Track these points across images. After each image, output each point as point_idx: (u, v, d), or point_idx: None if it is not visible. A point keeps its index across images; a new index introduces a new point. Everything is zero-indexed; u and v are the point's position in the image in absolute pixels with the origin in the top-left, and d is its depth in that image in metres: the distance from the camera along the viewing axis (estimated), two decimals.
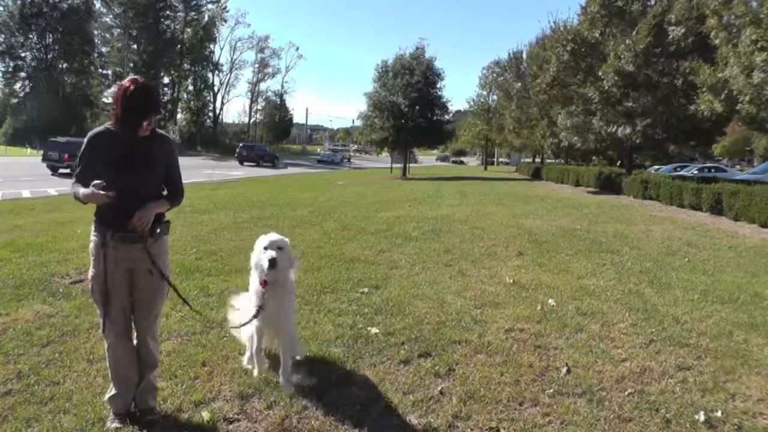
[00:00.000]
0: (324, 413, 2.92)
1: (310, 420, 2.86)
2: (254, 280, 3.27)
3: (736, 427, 2.91)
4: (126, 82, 2.63)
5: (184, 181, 2.95)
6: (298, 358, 3.53)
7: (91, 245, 2.74)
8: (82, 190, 2.57)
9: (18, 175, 21.05)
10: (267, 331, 3.36)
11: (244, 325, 3.30)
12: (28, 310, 4.43)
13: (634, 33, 17.72)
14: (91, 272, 2.75)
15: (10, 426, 2.72)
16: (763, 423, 2.97)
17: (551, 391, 3.25)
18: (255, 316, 3.16)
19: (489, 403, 3.09)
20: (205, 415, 2.88)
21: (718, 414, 3.02)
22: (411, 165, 37.85)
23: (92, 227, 2.75)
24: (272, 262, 3.02)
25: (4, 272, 5.61)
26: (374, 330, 4.16)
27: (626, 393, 3.24)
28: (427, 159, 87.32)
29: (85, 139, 2.69)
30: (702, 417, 2.96)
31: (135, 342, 2.86)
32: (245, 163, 41.62)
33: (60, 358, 3.52)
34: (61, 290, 5.03)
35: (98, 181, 2.50)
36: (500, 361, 3.68)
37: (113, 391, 2.82)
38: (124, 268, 2.72)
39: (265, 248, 3.10)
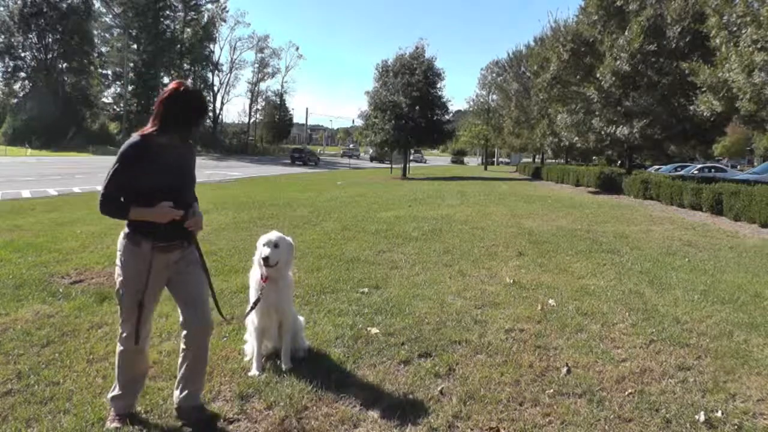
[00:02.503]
0: (324, 413, 2.92)
1: (310, 420, 2.86)
2: (254, 275, 3.46)
3: (736, 427, 2.91)
4: (175, 84, 2.58)
5: None
6: (301, 354, 3.60)
7: (121, 253, 2.67)
8: (140, 209, 2.55)
9: (18, 175, 21.04)
10: (268, 325, 3.46)
11: (248, 313, 3.44)
12: (28, 310, 4.43)
13: (626, 32, 17.71)
14: (118, 275, 2.68)
15: (10, 426, 2.71)
16: (763, 423, 2.97)
17: (551, 391, 3.25)
18: (254, 306, 3.33)
19: (489, 403, 3.09)
20: None
21: (719, 414, 3.02)
22: (417, 164, 38.06)
23: (123, 234, 2.69)
24: (265, 260, 3.25)
25: (4, 272, 5.61)
26: (374, 330, 4.16)
27: (626, 393, 3.24)
28: (433, 159, 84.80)
29: (120, 153, 2.54)
30: (702, 417, 2.96)
31: (184, 345, 2.82)
32: (374, 162, 57.02)
33: (60, 358, 3.52)
34: (61, 290, 5.03)
35: (167, 202, 2.56)
36: (500, 361, 3.67)
37: (117, 392, 2.79)
38: (163, 277, 2.73)
39: (264, 245, 3.31)
